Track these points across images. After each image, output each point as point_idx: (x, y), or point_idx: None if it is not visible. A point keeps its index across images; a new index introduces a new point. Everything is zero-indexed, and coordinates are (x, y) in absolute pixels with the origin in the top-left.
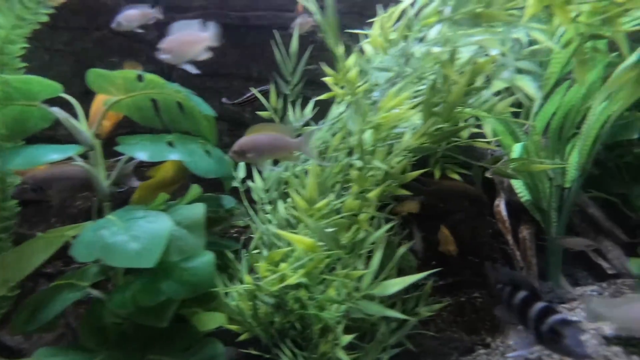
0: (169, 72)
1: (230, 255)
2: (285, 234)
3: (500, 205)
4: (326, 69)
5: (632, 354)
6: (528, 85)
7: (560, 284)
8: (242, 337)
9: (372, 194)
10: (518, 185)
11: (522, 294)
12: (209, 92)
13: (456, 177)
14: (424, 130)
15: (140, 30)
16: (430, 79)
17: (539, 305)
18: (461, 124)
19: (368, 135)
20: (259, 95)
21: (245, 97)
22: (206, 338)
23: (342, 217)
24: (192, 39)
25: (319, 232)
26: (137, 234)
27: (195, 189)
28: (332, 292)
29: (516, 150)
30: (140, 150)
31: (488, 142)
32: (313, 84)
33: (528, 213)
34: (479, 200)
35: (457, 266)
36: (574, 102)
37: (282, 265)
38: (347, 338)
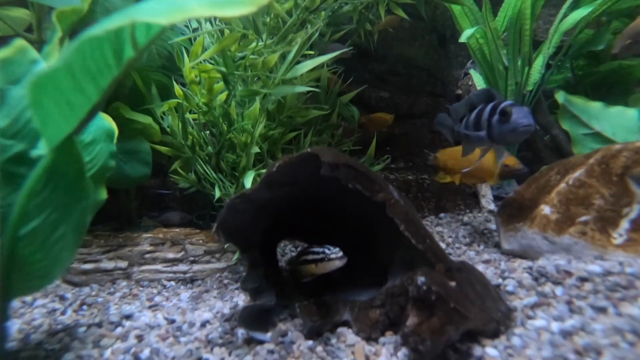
0: None
1: None
2: None
3: None
4: None
5: None
6: None
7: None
8: (175, 166)
9: None
10: (477, 79)
11: None
12: None
13: None
14: None
15: None
16: None
17: None
18: None
19: None
20: None
21: None
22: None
23: None
24: None
25: None
26: None
27: None
28: (255, 87)
29: (465, 34)
30: None
31: None
32: None
33: None
34: None
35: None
36: None
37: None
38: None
